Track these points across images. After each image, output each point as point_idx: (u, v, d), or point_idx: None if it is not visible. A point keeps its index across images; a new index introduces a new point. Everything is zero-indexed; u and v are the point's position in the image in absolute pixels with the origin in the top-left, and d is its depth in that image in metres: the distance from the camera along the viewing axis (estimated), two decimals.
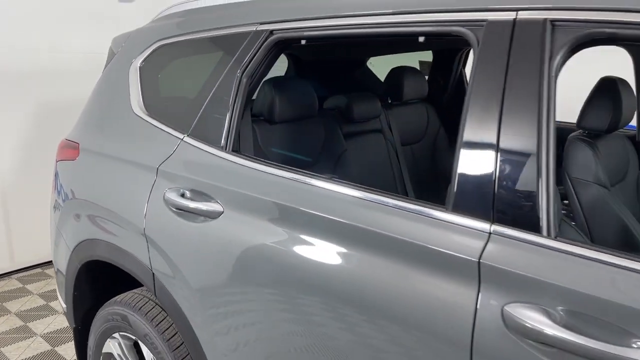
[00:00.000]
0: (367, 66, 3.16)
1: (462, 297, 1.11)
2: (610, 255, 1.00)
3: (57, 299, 3.66)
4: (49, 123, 4.02)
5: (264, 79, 1.97)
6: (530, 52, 1.16)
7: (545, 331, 0.99)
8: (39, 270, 4.21)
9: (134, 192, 1.86)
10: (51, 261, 2.51)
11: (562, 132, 2.11)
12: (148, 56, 2.12)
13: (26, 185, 4.02)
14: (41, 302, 3.70)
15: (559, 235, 1.08)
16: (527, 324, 1.01)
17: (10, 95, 3.88)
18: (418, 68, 2.92)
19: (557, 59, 1.14)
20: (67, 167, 2.26)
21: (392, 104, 2.73)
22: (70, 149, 2.27)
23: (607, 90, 1.97)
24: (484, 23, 1.24)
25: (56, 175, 2.35)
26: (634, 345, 0.92)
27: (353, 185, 1.39)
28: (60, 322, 3.41)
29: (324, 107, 2.51)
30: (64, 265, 2.26)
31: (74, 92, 4.09)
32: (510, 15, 1.21)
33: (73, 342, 2.42)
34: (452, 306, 1.12)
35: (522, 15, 1.20)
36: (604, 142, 2.06)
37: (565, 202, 2.08)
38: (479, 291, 1.10)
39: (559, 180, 1.98)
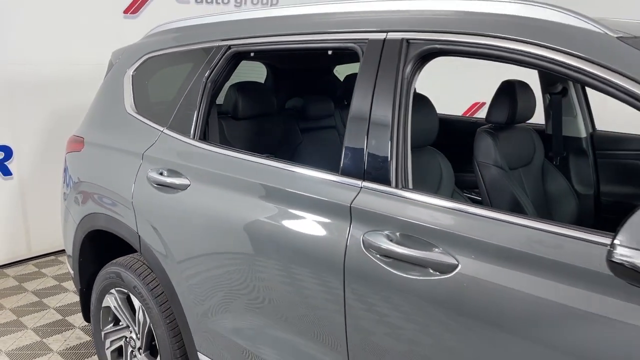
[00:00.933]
0: (333, 73, 3.66)
1: (340, 230, 1.59)
2: (426, 197, 1.49)
3: (68, 280, 4.18)
4: (62, 125, 4.55)
5: (232, 84, 2.48)
6: (392, 61, 1.65)
7: (385, 247, 1.47)
8: (52, 257, 4.72)
9: (125, 173, 2.37)
10: (64, 250, 3.01)
11: (476, 126, 2.60)
12: (139, 66, 2.64)
13: (42, 181, 4.55)
14: (54, 282, 4.21)
15: (404, 187, 1.57)
16: (375, 244, 1.49)
17: (29, 103, 4.42)
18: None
19: (409, 66, 1.62)
20: (74, 158, 2.78)
21: (347, 104, 3.22)
22: (77, 143, 2.80)
23: (507, 91, 2.44)
24: (367, 41, 1.74)
25: (65, 168, 2.87)
26: (436, 250, 1.40)
27: (281, 161, 1.89)
28: (70, 298, 3.92)
29: (286, 107, 3.01)
30: (71, 238, 2.77)
31: (83, 98, 4.61)
32: (382, 36, 1.70)
33: (81, 313, 2.91)
34: (334, 236, 1.60)
35: (390, 35, 1.69)
36: (507, 133, 2.52)
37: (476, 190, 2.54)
38: (350, 225, 1.58)
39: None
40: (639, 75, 1.22)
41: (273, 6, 2.09)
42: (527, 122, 2.69)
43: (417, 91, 1.99)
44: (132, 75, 2.65)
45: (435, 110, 2.08)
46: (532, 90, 2.52)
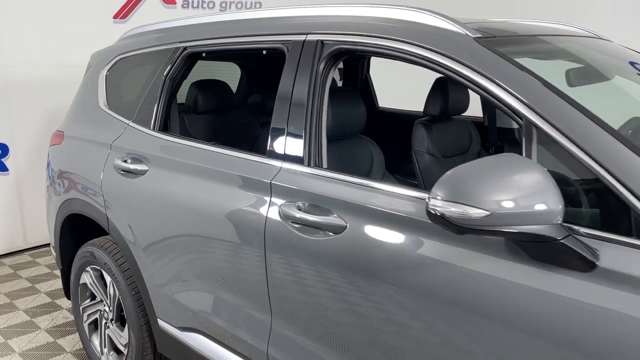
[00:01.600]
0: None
1: (262, 203, 1.87)
2: (330, 173, 1.76)
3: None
4: (55, 124, 4.80)
5: (193, 81, 2.76)
6: (309, 58, 1.92)
7: (296, 215, 1.74)
8: (47, 248, 5.03)
9: (96, 162, 2.66)
10: None
11: (414, 118, 2.86)
12: (111, 67, 2.93)
13: (37, 176, 4.85)
14: (47, 270, 4.51)
15: (318, 166, 1.84)
16: (289, 213, 1.77)
17: (24, 103, 4.73)
18: (337, 73, 3.68)
19: (322, 63, 1.89)
20: (55, 150, 3.08)
21: None
22: (58, 137, 3.09)
23: (440, 87, 2.71)
24: (290, 42, 2.01)
25: (48, 161, 3.16)
26: (332, 216, 1.67)
27: (221, 147, 2.17)
28: (59, 284, 4.21)
29: (248, 102, 3.29)
30: (52, 223, 3.07)
31: None
32: (302, 37, 1.98)
33: (67, 295, 3.19)
34: (258, 208, 1.88)
35: (308, 37, 1.96)
36: (442, 124, 2.79)
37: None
38: (270, 199, 1.86)
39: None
40: (487, 70, 1.49)
41: (221, 12, 2.38)
42: (470, 115, 2.96)
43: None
44: (106, 75, 2.94)
45: (361, 104, 2.35)
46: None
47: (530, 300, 1.26)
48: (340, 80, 3.62)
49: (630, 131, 1.82)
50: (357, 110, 2.30)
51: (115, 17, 5.32)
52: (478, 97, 1.87)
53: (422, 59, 1.63)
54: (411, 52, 1.66)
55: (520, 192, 1.18)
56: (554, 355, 1.23)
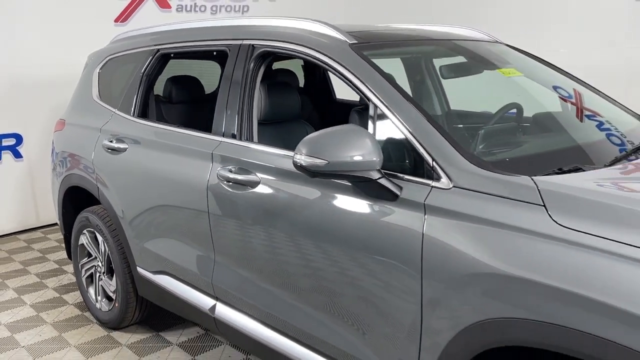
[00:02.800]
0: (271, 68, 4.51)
1: (205, 168, 2.47)
2: (253, 145, 2.36)
3: None
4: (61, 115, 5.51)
5: (169, 77, 3.38)
6: (243, 59, 2.52)
7: (229, 176, 2.34)
8: (56, 226, 5.68)
9: (89, 143, 3.28)
10: None
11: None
12: (103, 66, 3.56)
13: (47, 162, 5.49)
14: (56, 244, 5.17)
15: (248, 140, 2.43)
16: (224, 175, 2.37)
17: (35, 98, 5.37)
18: (302, 71, 4.26)
19: (252, 63, 2.49)
20: (58, 135, 3.72)
21: None
22: (60, 124, 3.73)
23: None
24: (231, 45, 2.61)
25: (52, 147, 3.79)
26: (251, 175, 2.27)
27: (182, 127, 2.78)
28: (65, 255, 4.87)
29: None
30: (56, 196, 3.71)
31: None
32: (239, 42, 2.57)
33: (72, 265, 3.81)
34: (203, 172, 2.48)
35: (244, 42, 2.56)
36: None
37: None
38: (211, 165, 2.46)
39: None
40: (351, 68, 2.07)
41: (186, 21, 2.96)
42: None
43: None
44: (99, 72, 3.57)
45: (294, 94, 2.93)
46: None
47: (359, 220, 1.86)
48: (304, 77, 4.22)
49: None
50: (290, 98, 2.89)
51: (116, 20, 5.95)
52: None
53: (314, 58, 2.22)
54: (307, 53, 2.25)
55: (352, 148, 1.77)
56: (374, 260, 1.82)
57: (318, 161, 1.77)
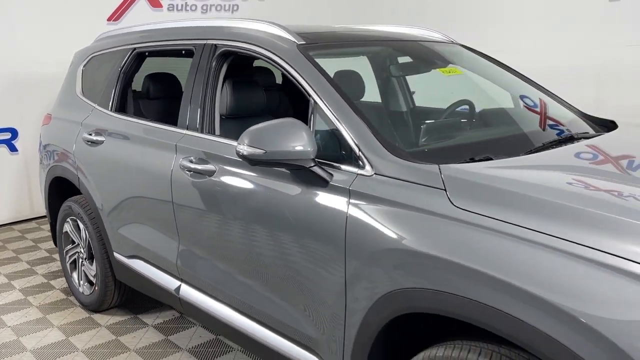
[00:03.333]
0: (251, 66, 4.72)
1: (170, 159, 2.68)
2: (211, 137, 2.56)
3: None
4: None
5: (147, 74, 3.58)
6: (207, 57, 2.71)
7: (189, 165, 2.54)
8: None
9: (71, 136, 3.50)
10: None
11: None
12: (86, 63, 3.77)
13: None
14: (48, 234, 5.38)
15: (210, 133, 2.63)
16: (185, 165, 2.57)
17: (31, 94, 5.59)
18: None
19: (214, 61, 2.68)
20: (45, 129, 3.93)
21: None
22: (47, 118, 3.95)
23: (341, 81, 3.45)
24: (197, 45, 2.81)
25: (40, 141, 4.00)
26: (209, 164, 2.47)
27: (156, 122, 2.98)
28: None
29: None
30: (43, 186, 3.92)
31: None
32: (204, 42, 2.77)
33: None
34: (168, 162, 2.69)
35: (208, 42, 2.76)
36: (380, 112, 3.53)
37: None
38: (175, 155, 2.66)
39: None
40: (296, 66, 2.26)
41: (158, 22, 3.17)
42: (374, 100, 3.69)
43: None
44: (82, 70, 3.78)
45: (260, 91, 3.11)
46: (360, 77, 3.51)
47: (295, 204, 2.06)
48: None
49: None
50: (255, 95, 3.07)
51: (108, 19, 6.16)
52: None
53: (266, 57, 2.41)
54: (260, 52, 2.44)
55: (288, 139, 1.96)
56: (307, 239, 2.01)
57: (257, 151, 1.96)
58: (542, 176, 1.86)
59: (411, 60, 2.89)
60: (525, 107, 2.81)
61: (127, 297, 3.61)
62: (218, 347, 3.15)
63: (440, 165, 1.79)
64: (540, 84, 3.07)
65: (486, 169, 1.82)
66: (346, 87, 3.18)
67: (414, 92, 3.29)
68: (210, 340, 3.24)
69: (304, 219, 2.03)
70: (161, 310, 3.64)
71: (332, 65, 2.87)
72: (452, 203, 1.66)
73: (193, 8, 6.65)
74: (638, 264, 1.31)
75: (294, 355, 2.19)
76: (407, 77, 3.43)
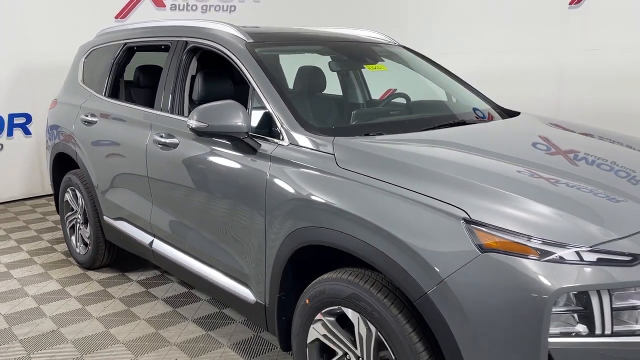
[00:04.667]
0: None
1: (145, 135, 3.26)
2: (176, 116, 3.13)
3: None
4: None
5: (137, 66, 4.17)
6: (179, 52, 3.28)
7: (160, 140, 3.11)
8: None
9: (71, 117, 4.10)
10: None
11: None
12: (87, 55, 4.37)
13: None
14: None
15: (178, 113, 3.20)
16: (156, 139, 3.14)
17: (43, 83, 6.20)
18: None
19: (185, 55, 3.25)
20: (51, 112, 4.55)
21: None
22: (54, 103, 4.56)
23: (305, 73, 4.00)
24: (172, 41, 3.38)
25: (47, 122, 4.61)
26: (175, 139, 3.04)
27: (138, 105, 3.56)
28: None
29: None
30: (48, 162, 4.54)
31: None
32: (177, 38, 3.34)
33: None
34: (144, 137, 3.27)
35: (180, 38, 3.32)
36: (315, 99, 4.08)
37: None
38: (150, 132, 3.24)
39: None
40: (243, 61, 2.81)
41: (145, 21, 3.75)
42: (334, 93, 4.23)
43: None
44: (84, 61, 4.39)
45: (227, 80, 3.66)
46: (322, 73, 4.02)
47: (232, 167, 2.62)
48: None
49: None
50: (223, 83, 3.62)
51: (116, 17, 6.77)
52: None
53: (223, 52, 2.97)
54: (218, 48, 3.00)
55: (227, 116, 2.51)
56: (241, 195, 2.57)
57: (202, 124, 2.53)
58: (406, 145, 2.38)
59: (345, 57, 3.43)
60: (446, 99, 3.35)
61: (116, 257, 4.20)
62: (189, 298, 3.73)
63: (335, 138, 2.34)
64: (466, 81, 3.60)
65: (367, 141, 2.36)
66: (307, 80, 3.77)
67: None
68: (183, 292, 3.82)
69: (238, 179, 2.60)
70: (145, 269, 4.23)
71: (298, 61, 3.45)
72: (337, 164, 2.21)
73: (194, 8, 7.24)
74: (451, 205, 1.83)
75: (233, 290, 2.75)
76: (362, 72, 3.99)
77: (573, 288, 1.64)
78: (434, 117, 3.02)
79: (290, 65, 3.45)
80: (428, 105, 3.29)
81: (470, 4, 6.58)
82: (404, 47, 3.72)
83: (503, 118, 3.15)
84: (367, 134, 2.48)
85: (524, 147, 2.52)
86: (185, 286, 3.91)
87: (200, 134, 2.58)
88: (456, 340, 1.77)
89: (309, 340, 2.32)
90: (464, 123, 2.82)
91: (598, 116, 5.46)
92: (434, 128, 2.67)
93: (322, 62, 3.58)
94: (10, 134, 6.32)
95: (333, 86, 3.98)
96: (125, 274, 4.18)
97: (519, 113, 3.24)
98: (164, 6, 7.05)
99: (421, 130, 2.62)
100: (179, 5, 7.14)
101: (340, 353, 2.22)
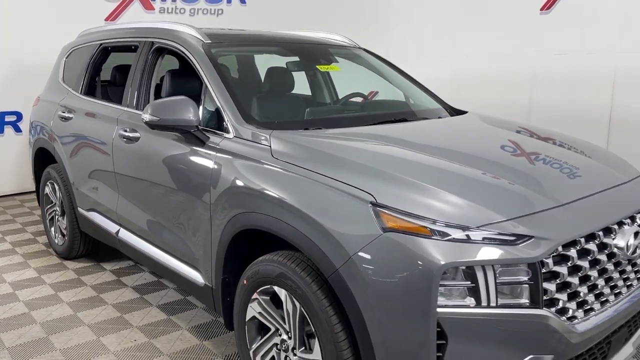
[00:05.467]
0: None
1: (112, 129, 3.46)
2: (136, 111, 3.33)
3: None
4: None
5: (114, 65, 4.38)
6: (146, 52, 3.49)
7: (124, 134, 3.32)
8: None
9: (50, 114, 4.31)
10: None
11: None
12: (68, 55, 4.58)
13: None
14: None
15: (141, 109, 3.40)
16: (122, 133, 3.35)
17: (34, 81, 6.28)
18: None
19: (151, 55, 3.46)
20: (34, 109, 4.77)
21: None
22: (37, 100, 4.78)
23: (277, 73, 4.20)
24: (140, 41, 3.59)
25: (30, 118, 4.83)
26: (137, 133, 3.24)
27: (111, 102, 3.77)
28: None
29: None
30: (30, 154, 4.75)
31: None
32: (144, 39, 3.54)
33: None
34: (110, 132, 3.47)
35: (147, 39, 3.53)
36: (284, 98, 4.28)
37: None
38: (116, 127, 3.45)
39: None
40: (198, 60, 3.01)
41: (117, 24, 3.98)
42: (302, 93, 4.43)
43: None
44: (65, 61, 4.60)
45: (193, 79, 3.86)
46: (290, 72, 4.22)
47: (183, 158, 2.81)
48: None
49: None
50: (188, 82, 3.81)
51: (106, 19, 6.98)
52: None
53: (182, 52, 3.17)
54: (178, 48, 3.19)
55: (177, 111, 2.71)
56: (191, 184, 2.76)
57: (155, 118, 2.72)
58: (335, 138, 2.57)
59: (299, 58, 3.64)
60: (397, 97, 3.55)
61: (92, 248, 4.40)
62: (157, 286, 3.92)
63: (272, 131, 2.53)
64: (420, 82, 3.79)
65: (300, 135, 2.55)
66: (276, 80, 3.96)
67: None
68: (152, 281, 4.02)
69: (188, 169, 2.80)
70: (120, 260, 4.42)
71: (267, 62, 3.65)
72: (272, 155, 2.40)
73: (182, 11, 7.45)
74: (361, 190, 2.01)
75: (187, 274, 2.94)
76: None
77: (459, 263, 1.82)
78: (378, 114, 3.21)
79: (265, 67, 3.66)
80: (381, 104, 3.48)
81: (447, 12, 6.77)
82: (366, 50, 3.91)
83: (451, 116, 3.34)
84: (306, 129, 2.67)
85: (450, 141, 2.71)
86: (155, 275, 4.11)
87: (153, 127, 2.78)
88: (361, 312, 1.96)
89: (248, 318, 2.50)
90: (405, 120, 3.01)
91: (566, 116, 5.64)
92: (375, 124, 2.86)
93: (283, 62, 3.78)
94: (1, 131, 6.55)
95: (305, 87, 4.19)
96: (101, 264, 4.38)
97: (466, 112, 3.43)
98: (153, 9, 7.26)
99: (361, 126, 2.81)
100: (168, 8, 7.35)
101: (273, 329, 2.41)
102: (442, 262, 1.81)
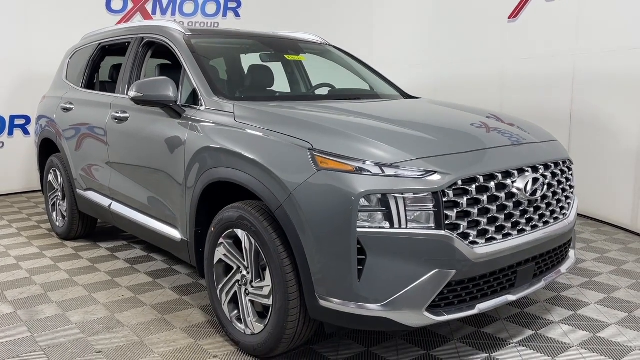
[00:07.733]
0: None
1: (107, 113, 3.93)
2: (124, 97, 3.81)
3: None
4: None
5: (112, 64, 4.88)
6: (136, 47, 3.97)
7: (116, 116, 3.79)
8: None
9: (54, 107, 4.80)
10: None
11: None
12: (71, 56, 5.09)
13: None
14: None
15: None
16: (114, 115, 3.81)
17: (41, 87, 6.88)
18: None
19: (142, 49, 3.94)
20: (40, 105, 5.26)
21: None
22: (43, 98, 5.28)
23: (256, 70, 4.67)
24: (132, 38, 4.08)
25: (36, 113, 5.33)
26: (126, 114, 3.71)
27: (107, 93, 4.25)
28: None
29: None
30: (37, 146, 5.23)
31: None
32: (135, 36, 4.03)
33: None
34: (105, 115, 3.94)
35: (137, 36, 4.02)
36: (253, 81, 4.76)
37: None
38: (109, 111, 3.91)
39: None
40: (179, 50, 3.48)
41: (113, 26, 4.53)
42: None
43: None
44: (68, 61, 5.11)
45: (178, 71, 4.34)
46: (271, 71, 4.67)
47: (163, 130, 3.26)
48: None
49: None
50: (172, 75, 4.29)
51: None
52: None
53: (167, 44, 3.64)
54: (165, 41, 3.66)
55: (158, 88, 3.17)
56: (169, 152, 3.20)
57: (139, 94, 3.18)
58: (286, 107, 3.01)
59: (270, 50, 4.12)
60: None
61: (89, 230, 4.84)
62: (147, 259, 4.35)
63: (235, 102, 2.99)
64: (382, 73, 4.25)
65: (260, 105, 3.01)
66: (257, 76, 4.41)
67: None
68: (142, 255, 4.44)
69: (167, 139, 3.25)
70: (116, 239, 4.86)
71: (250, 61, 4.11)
72: (235, 120, 2.85)
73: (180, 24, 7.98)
74: (301, 140, 2.44)
75: (167, 233, 3.36)
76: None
77: (373, 192, 2.24)
78: (333, 94, 3.67)
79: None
80: (344, 90, 3.94)
81: (421, 21, 7.27)
82: (334, 47, 4.38)
83: (405, 98, 3.79)
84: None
85: (391, 112, 3.16)
86: (146, 251, 4.53)
87: (137, 102, 3.24)
88: (299, 236, 2.37)
89: (215, 261, 2.92)
90: (357, 99, 3.46)
91: (533, 115, 6.06)
92: (328, 100, 3.31)
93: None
94: (11, 133, 7.05)
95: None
96: (97, 243, 4.81)
97: (420, 98, 3.88)
98: (152, 19, 7.79)
99: (312, 101, 3.26)
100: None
101: (235, 267, 2.83)
102: (360, 190, 2.23)
